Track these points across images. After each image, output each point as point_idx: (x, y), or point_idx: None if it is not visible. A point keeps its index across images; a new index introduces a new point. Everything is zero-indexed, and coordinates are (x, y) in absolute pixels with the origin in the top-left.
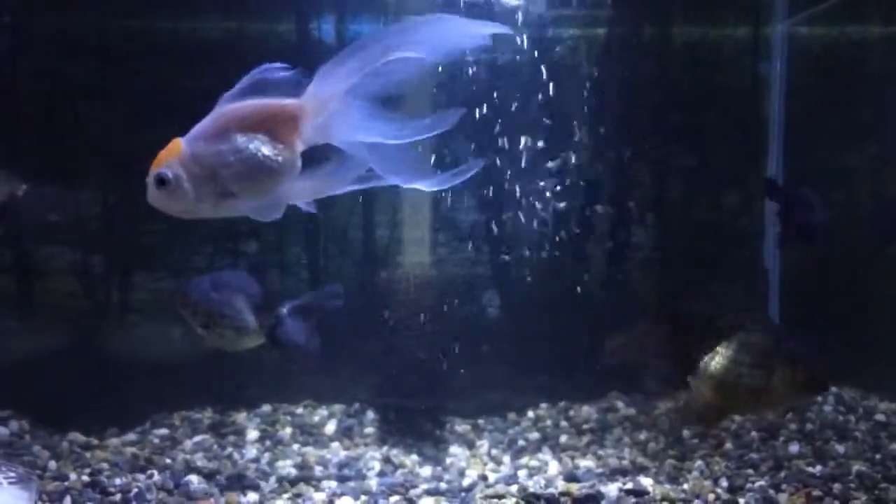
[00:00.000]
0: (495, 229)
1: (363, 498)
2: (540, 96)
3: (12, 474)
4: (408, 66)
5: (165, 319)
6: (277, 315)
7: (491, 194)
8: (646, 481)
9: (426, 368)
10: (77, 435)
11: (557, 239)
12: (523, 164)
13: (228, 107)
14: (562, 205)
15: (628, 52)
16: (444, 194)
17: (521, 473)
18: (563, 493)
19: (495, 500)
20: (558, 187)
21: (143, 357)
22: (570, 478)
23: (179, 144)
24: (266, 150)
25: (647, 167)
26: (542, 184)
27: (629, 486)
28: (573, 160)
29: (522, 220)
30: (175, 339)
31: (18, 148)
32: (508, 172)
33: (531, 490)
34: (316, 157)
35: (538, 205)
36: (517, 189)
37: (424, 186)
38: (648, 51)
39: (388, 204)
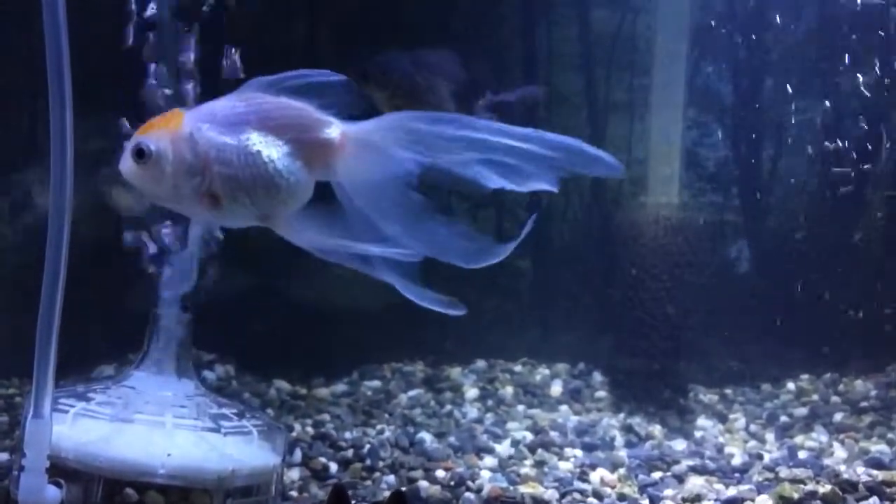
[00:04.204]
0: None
1: (620, 471)
2: None
3: (261, 423)
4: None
5: None
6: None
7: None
8: None
9: (662, 329)
10: (283, 383)
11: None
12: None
13: (255, 95)
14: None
15: None
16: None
17: (802, 455)
18: (885, 483)
19: (800, 486)
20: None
21: (346, 304)
22: (875, 464)
23: (181, 118)
24: (281, 163)
25: None
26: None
27: None
28: None
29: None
30: (379, 286)
31: None
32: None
33: (845, 476)
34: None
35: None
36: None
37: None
38: None
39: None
